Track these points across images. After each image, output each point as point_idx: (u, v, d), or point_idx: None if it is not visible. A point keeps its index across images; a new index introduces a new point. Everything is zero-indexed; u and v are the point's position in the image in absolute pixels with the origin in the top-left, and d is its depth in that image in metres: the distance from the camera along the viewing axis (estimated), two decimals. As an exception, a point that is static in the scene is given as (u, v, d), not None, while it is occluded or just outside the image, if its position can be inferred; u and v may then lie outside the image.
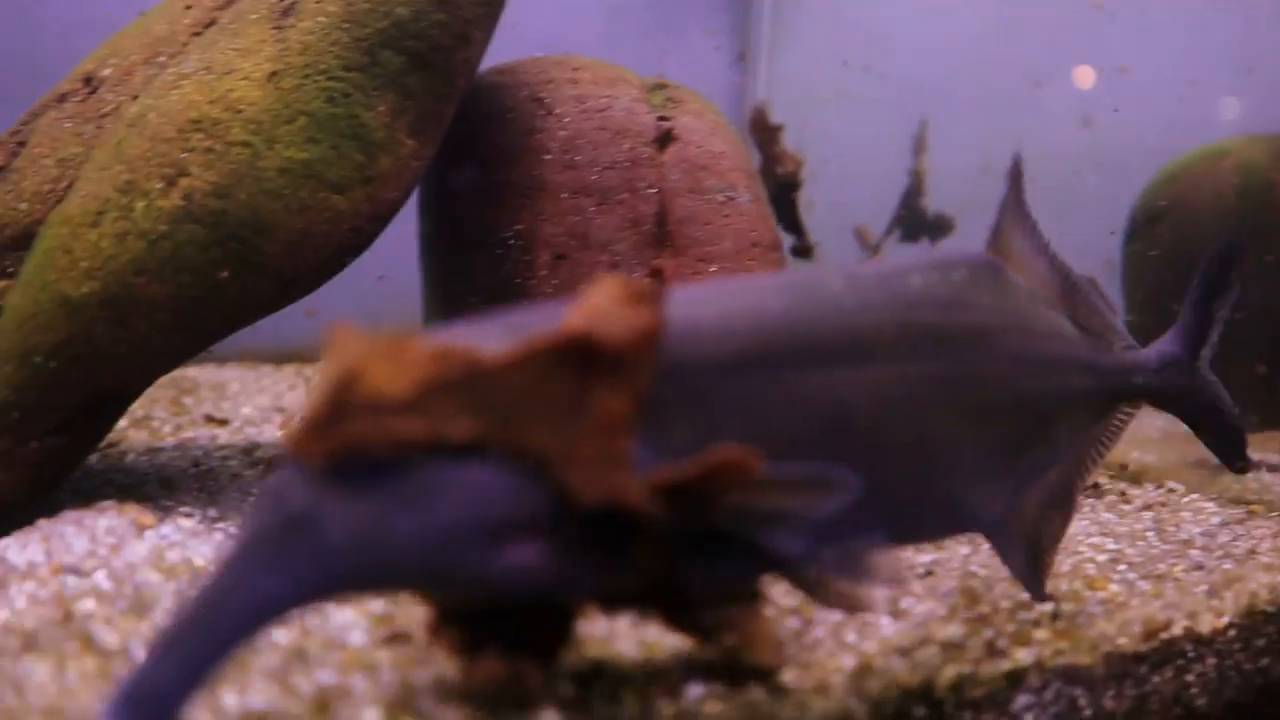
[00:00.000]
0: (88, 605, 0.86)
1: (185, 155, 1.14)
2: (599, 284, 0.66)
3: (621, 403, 0.63)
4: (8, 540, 1.02)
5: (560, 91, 1.39)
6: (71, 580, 0.92)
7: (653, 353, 0.64)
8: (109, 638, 0.79)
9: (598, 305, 0.64)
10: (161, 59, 1.29)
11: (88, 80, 1.32)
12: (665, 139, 1.39)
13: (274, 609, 0.57)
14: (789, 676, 0.75)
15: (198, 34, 1.31)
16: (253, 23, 1.25)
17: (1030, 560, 0.89)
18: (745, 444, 0.63)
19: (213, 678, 0.55)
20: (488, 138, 1.40)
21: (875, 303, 0.77)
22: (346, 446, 0.59)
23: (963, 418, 0.80)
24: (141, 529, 1.08)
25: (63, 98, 1.31)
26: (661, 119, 1.40)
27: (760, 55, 2.58)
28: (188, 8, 1.34)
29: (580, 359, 0.63)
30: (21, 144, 1.27)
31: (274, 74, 1.20)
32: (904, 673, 0.77)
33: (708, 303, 0.73)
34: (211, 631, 0.56)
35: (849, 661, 0.78)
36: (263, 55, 1.22)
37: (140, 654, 0.76)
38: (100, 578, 0.93)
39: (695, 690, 0.72)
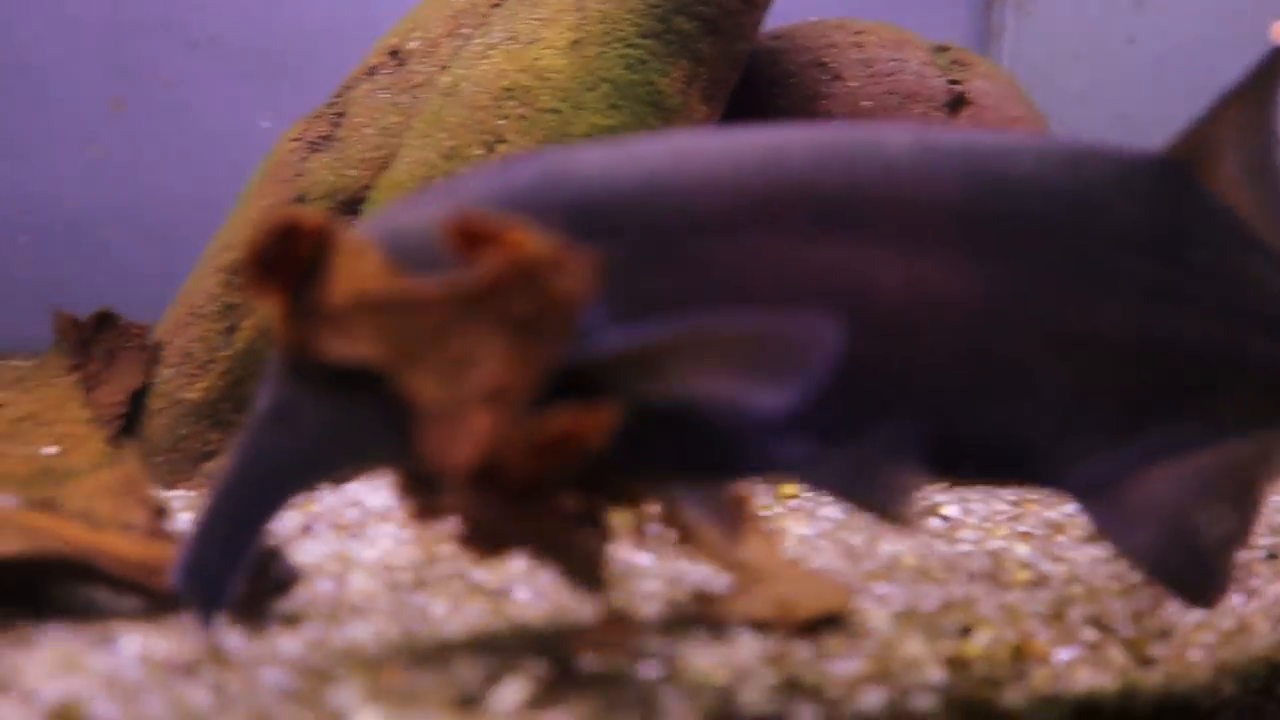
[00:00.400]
0: (447, 548, 0.92)
1: (501, 122, 1.20)
2: (527, 236, 0.57)
3: (515, 373, 0.57)
4: (356, 485, 1.11)
5: (845, 55, 1.39)
6: (424, 523, 0.99)
7: (569, 329, 0.57)
8: (485, 578, 0.86)
9: (529, 255, 0.57)
10: (465, 30, 1.36)
11: (394, 53, 1.40)
12: (958, 103, 1.37)
13: (286, 484, 0.64)
14: (1155, 649, 0.75)
15: (497, 5, 1.37)
16: (554, -7, 1.30)
17: (1187, 559, 0.68)
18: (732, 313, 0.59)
19: (250, 545, 0.64)
20: (769, 103, 1.42)
21: (945, 174, 0.64)
22: (291, 349, 0.63)
23: (1055, 345, 0.64)
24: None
25: (372, 71, 1.39)
26: (952, 82, 1.38)
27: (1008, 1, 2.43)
28: (486, -20, 1.41)
29: (501, 309, 0.57)
30: (340, 115, 1.36)
31: (576, 42, 1.25)
32: (1269, 649, 0.76)
33: (704, 153, 0.64)
34: (241, 506, 0.64)
35: (1209, 636, 0.78)
36: (564, 24, 1.27)
37: (521, 594, 0.82)
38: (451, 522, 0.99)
39: (1064, 654, 0.73)
